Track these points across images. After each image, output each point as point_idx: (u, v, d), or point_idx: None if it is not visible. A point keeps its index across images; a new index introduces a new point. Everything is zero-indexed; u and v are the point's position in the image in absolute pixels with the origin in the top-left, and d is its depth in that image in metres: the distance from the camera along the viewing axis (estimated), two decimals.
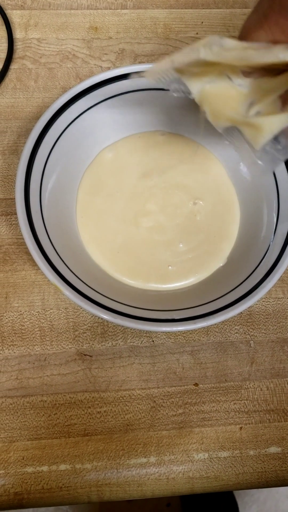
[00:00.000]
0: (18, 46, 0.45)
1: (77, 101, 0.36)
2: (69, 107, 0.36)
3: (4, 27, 0.45)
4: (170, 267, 0.38)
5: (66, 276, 0.33)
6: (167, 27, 0.47)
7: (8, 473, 0.35)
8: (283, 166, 0.35)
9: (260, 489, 1.10)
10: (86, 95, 0.36)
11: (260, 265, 0.35)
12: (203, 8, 0.48)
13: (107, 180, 0.40)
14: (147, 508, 0.99)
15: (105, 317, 0.31)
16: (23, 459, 0.36)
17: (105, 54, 0.45)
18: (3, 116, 0.43)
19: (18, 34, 0.45)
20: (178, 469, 0.36)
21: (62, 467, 0.36)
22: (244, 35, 0.26)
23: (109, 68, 0.37)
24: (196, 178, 0.41)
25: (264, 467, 0.37)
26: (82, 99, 0.36)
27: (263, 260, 0.35)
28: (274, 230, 0.36)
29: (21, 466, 0.36)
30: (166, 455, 0.36)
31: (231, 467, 0.36)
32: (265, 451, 0.37)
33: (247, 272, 0.36)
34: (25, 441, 0.36)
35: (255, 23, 0.26)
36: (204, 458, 0.36)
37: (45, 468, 0.36)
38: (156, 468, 0.36)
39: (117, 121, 0.39)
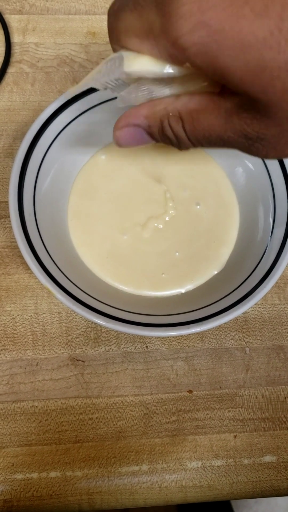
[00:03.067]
0: (16, 50, 0.45)
1: (72, 104, 0.36)
2: (64, 110, 0.36)
3: (2, 32, 0.45)
4: (163, 274, 0.38)
5: (59, 279, 0.32)
6: None
7: None
8: (279, 170, 0.35)
9: (258, 502, 1.08)
10: (81, 98, 0.36)
11: (256, 270, 0.35)
12: None
13: (99, 183, 0.39)
14: None
15: (98, 321, 0.31)
16: (13, 465, 0.35)
17: (103, 59, 0.45)
18: None
19: (16, 38, 0.45)
20: (171, 478, 0.35)
21: (53, 474, 0.35)
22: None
23: None
24: (195, 180, 0.40)
25: (259, 477, 0.36)
26: (77, 102, 0.36)
27: (259, 265, 0.35)
28: (270, 234, 0.35)
29: (11, 473, 0.35)
30: (159, 463, 0.36)
31: (225, 476, 0.36)
32: (260, 460, 0.36)
33: (242, 277, 0.35)
34: (15, 447, 0.35)
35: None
36: (198, 467, 0.36)
37: (35, 475, 0.35)
38: (148, 477, 0.35)
39: (112, 123, 0.38)
